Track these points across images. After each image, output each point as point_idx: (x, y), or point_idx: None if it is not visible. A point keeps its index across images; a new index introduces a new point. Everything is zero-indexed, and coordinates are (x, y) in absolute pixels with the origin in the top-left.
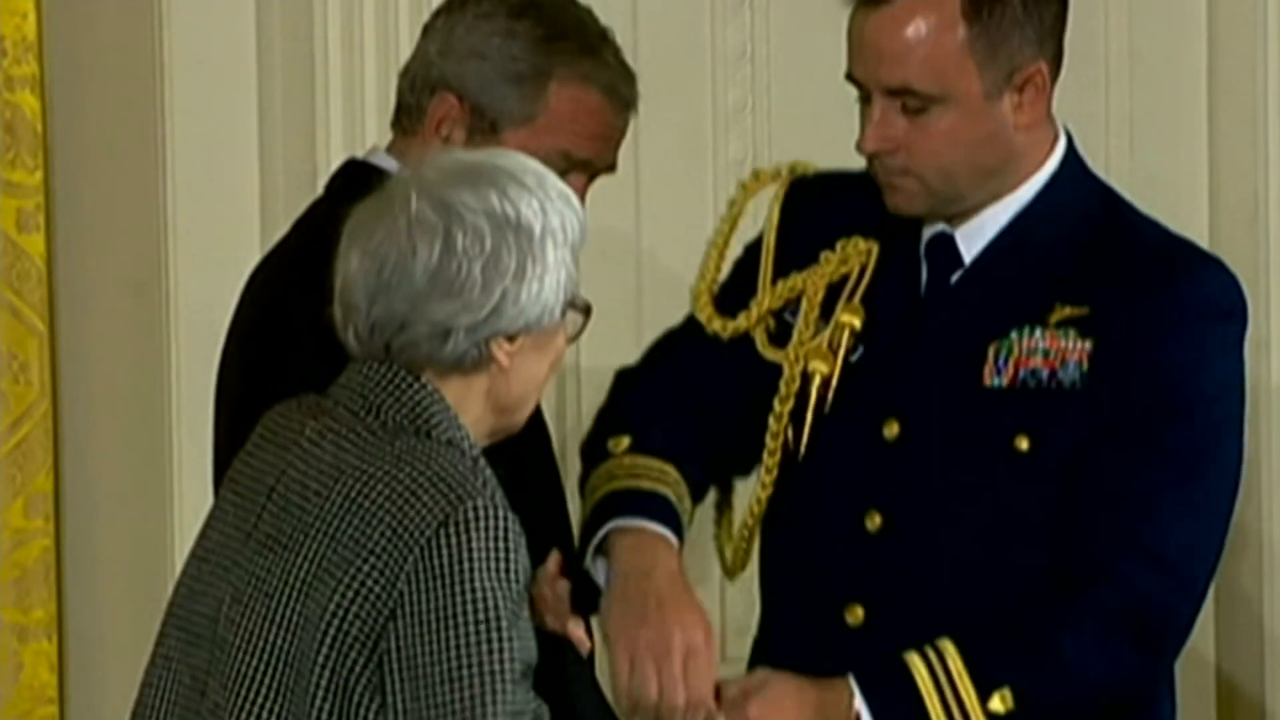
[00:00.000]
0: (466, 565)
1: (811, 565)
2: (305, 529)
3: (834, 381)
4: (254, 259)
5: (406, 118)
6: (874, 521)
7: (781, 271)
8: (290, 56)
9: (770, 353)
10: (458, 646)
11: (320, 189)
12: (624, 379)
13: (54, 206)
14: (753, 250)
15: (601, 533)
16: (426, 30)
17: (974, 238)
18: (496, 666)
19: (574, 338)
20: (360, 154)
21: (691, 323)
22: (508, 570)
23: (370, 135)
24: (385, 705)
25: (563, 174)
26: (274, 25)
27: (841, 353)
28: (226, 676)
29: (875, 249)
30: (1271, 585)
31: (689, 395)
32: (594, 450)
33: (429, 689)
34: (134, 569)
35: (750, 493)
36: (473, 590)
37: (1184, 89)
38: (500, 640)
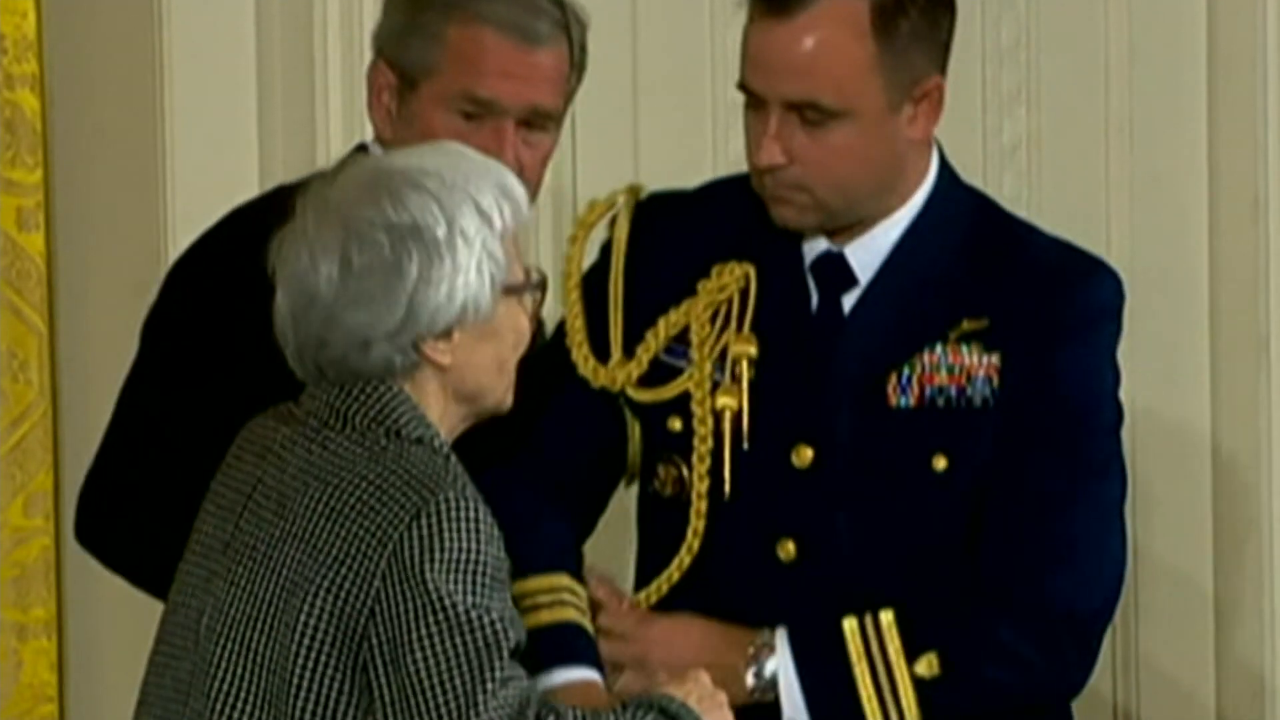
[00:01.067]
0: (439, 557)
1: (721, 599)
2: (281, 535)
3: (745, 416)
4: None
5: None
6: (786, 551)
7: (633, 302)
8: (290, 55)
9: (643, 395)
10: (441, 639)
11: None
12: (497, 479)
13: (54, 205)
14: (598, 281)
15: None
16: None
17: (866, 255)
18: (481, 651)
19: (534, 314)
20: (369, 139)
21: (560, 378)
22: (480, 559)
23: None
24: (374, 704)
25: (478, 119)
26: (274, 24)
27: (745, 384)
28: (207, 686)
29: (752, 272)
30: (1272, 583)
31: (564, 470)
32: None
33: (418, 684)
34: None
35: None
36: (448, 583)
37: (1184, 88)
38: (482, 627)
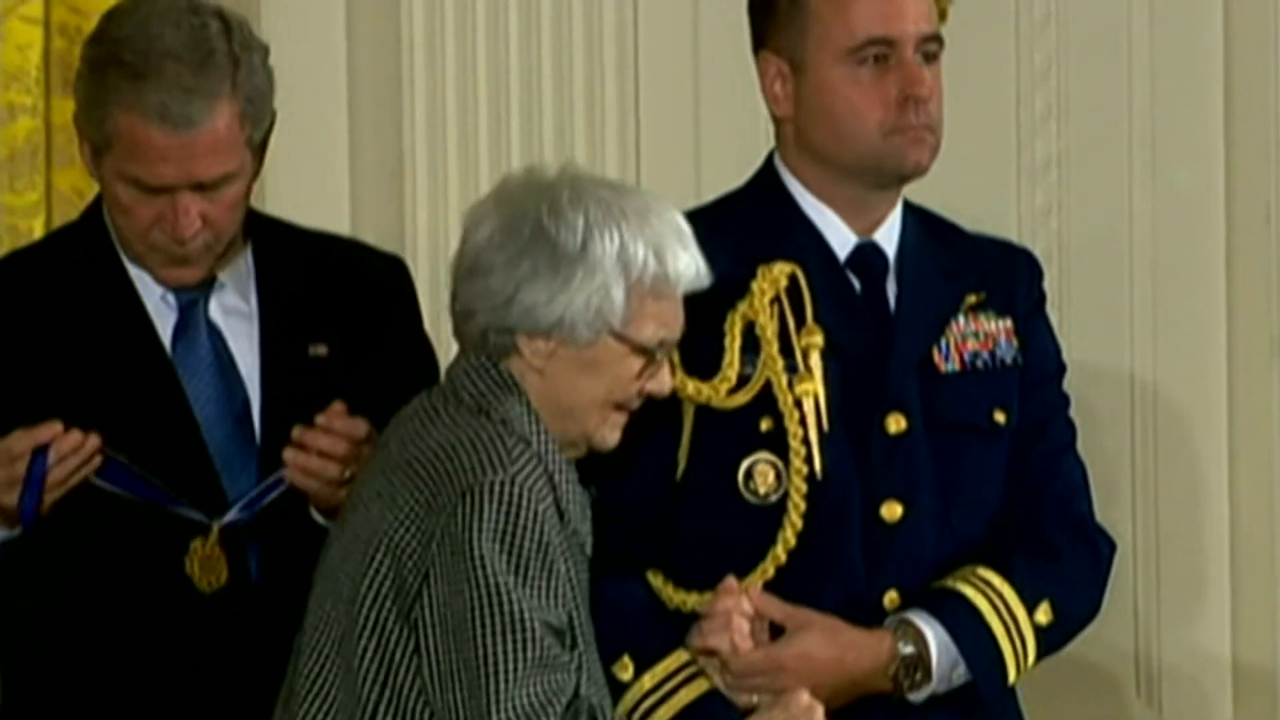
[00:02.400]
0: (475, 534)
1: (830, 566)
2: (376, 492)
3: (823, 399)
4: None
5: None
6: (892, 512)
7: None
8: (378, 86)
9: (732, 401)
10: (470, 609)
11: (407, 224)
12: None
13: None
14: None
15: None
16: None
17: (889, 242)
18: (506, 628)
19: (641, 373)
20: None
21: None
22: (514, 541)
23: (453, 172)
24: (421, 666)
25: (153, 191)
26: (362, 47)
27: (818, 371)
28: (309, 619)
29: (797, 270)
30: None
31: (657, 507)
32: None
33: (450, 647)
34: None
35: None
36: (481, 557)
37: (1202, 108)
38: (508, 604)
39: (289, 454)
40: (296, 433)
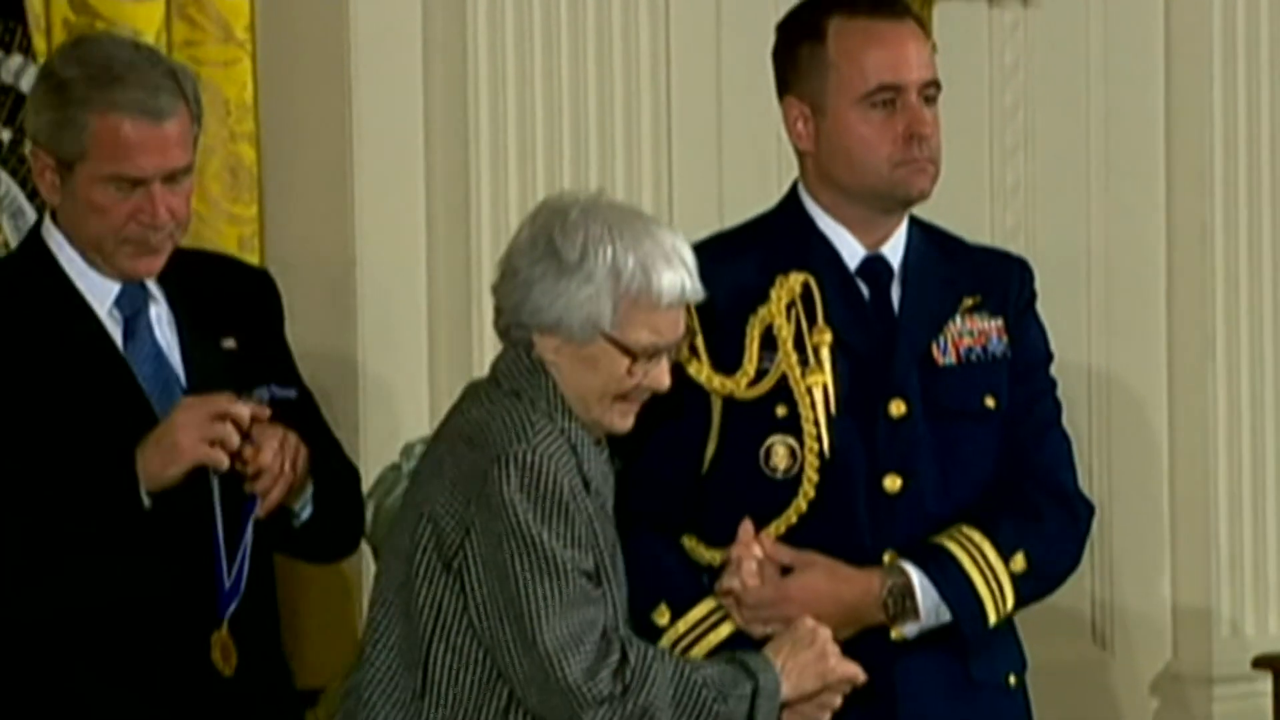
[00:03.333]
0: (505, 494)
1: (839, 527)
2: (427, 460)
3: (831, 389)
4: (419, 274)
5: None
6: (893, 484)
7: (708, 323)
8: (449, 113)
9: (752, 392)
10: (509, 558)
11: (472, 244)
12: (633, 527)
13: (266, 233)
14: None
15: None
16: None
17: (894, 255)
18: (543, 571)
19: (631, 372)
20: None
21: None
22: (538, 499)
23: (513, 198)
24: (466, 605)
25: (128, 188)
26: (436, 92)
27: (828, 365)
28: (379, 571)
29: (810, 279)
30: (1216, 521)
31: (682, 484)
32: (637, 619)
33: (495, 591)
34: None
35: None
36: (514, 513)
37: (1147, 141)
38: (542, 550)
39: (257, 488)
40: (247, 487)
